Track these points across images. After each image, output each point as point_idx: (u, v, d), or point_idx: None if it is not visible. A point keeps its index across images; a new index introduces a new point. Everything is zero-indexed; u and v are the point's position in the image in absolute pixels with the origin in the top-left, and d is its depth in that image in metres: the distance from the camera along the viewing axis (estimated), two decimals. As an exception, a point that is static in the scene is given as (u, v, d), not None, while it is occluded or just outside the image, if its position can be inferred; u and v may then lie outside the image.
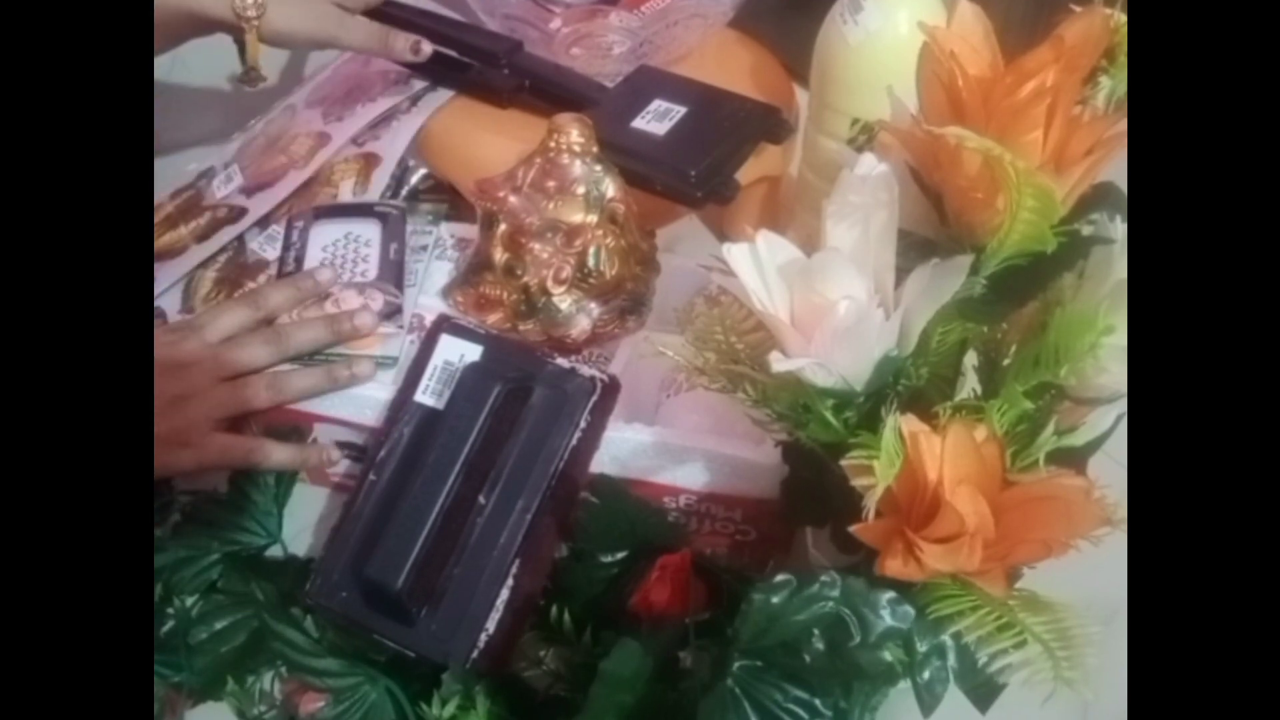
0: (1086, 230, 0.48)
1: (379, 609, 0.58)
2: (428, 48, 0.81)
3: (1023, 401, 0.47)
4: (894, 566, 0.45)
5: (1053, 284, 0.48)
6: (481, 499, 0.59)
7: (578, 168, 0.68)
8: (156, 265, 0.80)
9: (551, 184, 0.69)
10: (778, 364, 0.46)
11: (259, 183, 0.84)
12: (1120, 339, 0.45)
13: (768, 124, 0.80)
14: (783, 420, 0.52)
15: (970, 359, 0.53)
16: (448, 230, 0.76)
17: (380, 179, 0.81)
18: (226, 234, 0.81)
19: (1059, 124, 0.45)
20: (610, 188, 0.69)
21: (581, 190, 0.68)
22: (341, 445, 0.69)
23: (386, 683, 0.58)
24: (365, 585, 0.58)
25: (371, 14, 0.85)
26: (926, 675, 0.47)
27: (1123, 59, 0.48)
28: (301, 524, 0.68)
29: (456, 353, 0.64)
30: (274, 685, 0.60)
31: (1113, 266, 0.47)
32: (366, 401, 0.66)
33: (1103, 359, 0.45)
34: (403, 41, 0.80)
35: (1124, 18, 0.46)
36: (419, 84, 0.85)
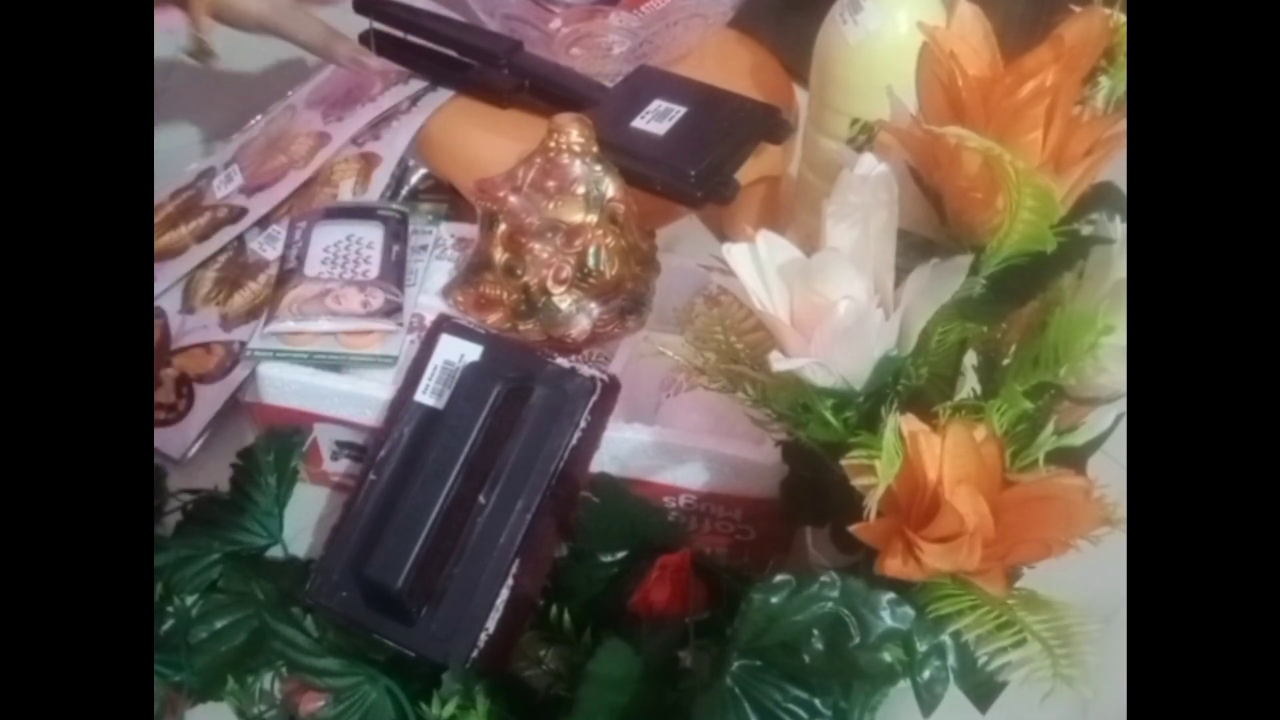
0: (1086, 230, 0.48)
1: (379, 609, 0.58)
2: (374, 63, 0.80)
3: (1022, 401, 0.48)
4: (894, 566, 0.45)
5: (1052, 284, 0.48)
6: (481, 499, 0.59)
7: (578, 168, 0.68)
8: (156, 265, 0.80)
9: (551, 184, 0.69)
10: (778, 364, 0.46)
11: (259, 183, 0.84)
12: (1120, 339, 0.45)
13: (768, 124, 0.80)
14: (783, 420, 0.52)
15: (970, 359, 0.53)
16: (448, 230, 0.76)
17: (380, 179, 0.81)
18: (226, 234, 0.81)
19: (1059, 124, 0.45)
20: (610, 188, 0.69)
21: (581, 190, 0.68)
22: (341, 445, 0.69)
23: (386, 682, 0.58)
24: (365, 585, 0.58)
25: (372, 13, 0.86)
26: (926, 675, 0.47)
27: (1122, 59, 0.48)
28: (301, 524, 0.68)
29: (456, 352, 0.64)
30: (274, 685, 0.60)
31: (1112, 266, 0.47)
32: (366, 401, 0.66)
33: (1102, 359, 0.46)
34: (346, 48, 0.79)
35: (1124, 18, 0.46)
36: (419, 84, 0.85)
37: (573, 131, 0.69)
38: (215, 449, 0.73)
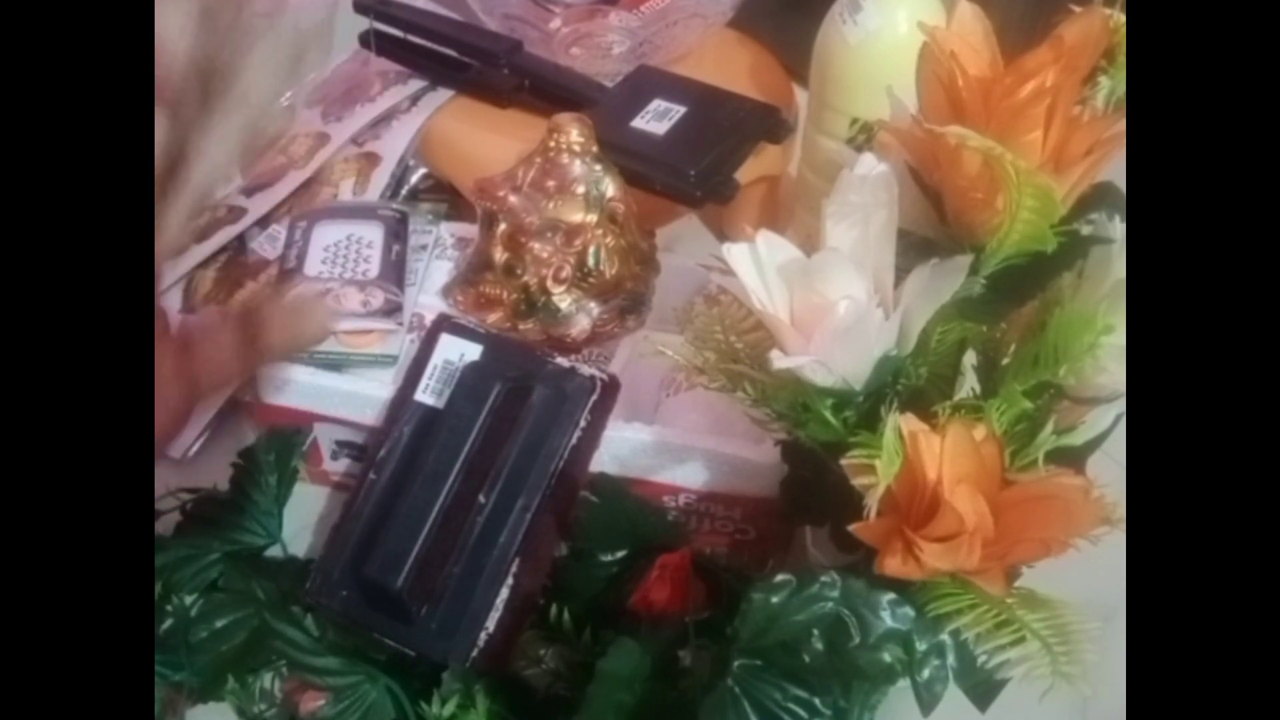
0: (1086, 230, 0.48)
1: (379, 608, 0.58)
2: None
3: (1022, 401, 0.47)
4: (893, 565, 0.45)
5: (1052, 284, 0.48)
6: (481, 498, 0.59)
7: (577, 167, 0.68)
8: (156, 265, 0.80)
9: (551, 183, 0.69)
10: (777, 363, 0.46)
11: (259, 183, 0.84)
12: (1119, 338, 0.45)
13: (767, 124, 0.80)
14: (782, 420, 0.52)
15: (970, 358, 0.53)
16: (448, 230, 0.76)
17: (380, 179, 0.81)
18: (226, 234, 0.81)
19: (1059, 124, 0.45)
20: (610, 187, 0.69)
21: (581, 190, 0.68)
22: (341, 445, 0.69)
23: (386, 681, 0.58)
24: (365, 584, 0.58)
25: (372, 13, 0.86)
26: (926, 674, 0.47)
27: (1122, 59, 0.48)
28: (301, 523, 0.68)
29: (456, 352, 0.64)
30: (274, 684, 0.60)
31: (1112, 266, 0.47)
32: (366, 401, 0.66)
33: (1102, 358, 0.45)
34: None
35: (1124, 18, 0.46)
36: (419, 84, 0.85)
37: (572, 131, 0.69)
38: (215, 449, 0.73)
